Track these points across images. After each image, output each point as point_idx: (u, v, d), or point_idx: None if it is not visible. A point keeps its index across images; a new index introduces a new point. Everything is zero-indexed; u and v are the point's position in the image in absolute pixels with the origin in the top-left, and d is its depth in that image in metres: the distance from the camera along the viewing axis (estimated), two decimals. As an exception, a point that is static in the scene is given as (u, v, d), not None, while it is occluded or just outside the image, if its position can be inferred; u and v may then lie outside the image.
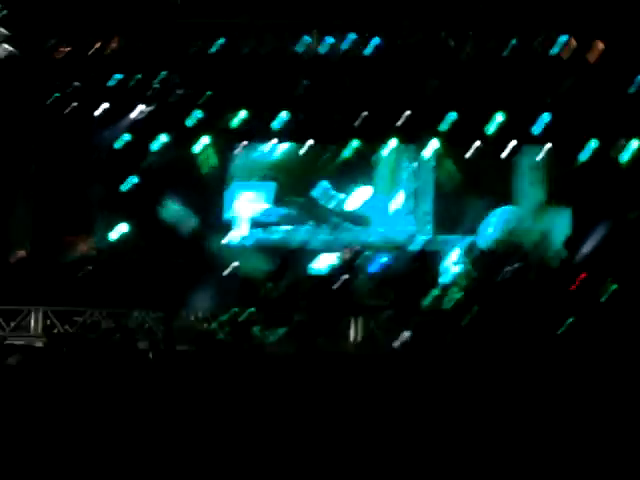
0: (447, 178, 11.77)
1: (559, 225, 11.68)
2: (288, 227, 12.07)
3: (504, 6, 10.31)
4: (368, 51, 10.75)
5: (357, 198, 12.19)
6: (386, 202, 12.36)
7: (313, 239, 11.96)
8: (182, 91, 11.13)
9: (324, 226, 12.10)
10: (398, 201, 12.39)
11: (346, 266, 10.91)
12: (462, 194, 11.68)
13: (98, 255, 10.64)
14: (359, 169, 11.94)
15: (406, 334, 9.51)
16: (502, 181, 11.61)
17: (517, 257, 11.06)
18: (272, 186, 12.19)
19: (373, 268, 11.35)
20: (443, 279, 11.22)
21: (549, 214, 11.70)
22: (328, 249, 11.74)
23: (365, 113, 11.21)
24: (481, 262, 11.18)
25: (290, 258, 10.73)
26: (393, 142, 11.61)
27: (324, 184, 12.11)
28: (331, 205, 12.14)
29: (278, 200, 12.18)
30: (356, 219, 12.23)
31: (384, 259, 11.50)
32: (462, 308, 10.10)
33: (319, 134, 11.65)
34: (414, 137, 11.63)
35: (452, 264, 11.48)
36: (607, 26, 10.29)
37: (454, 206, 11.83)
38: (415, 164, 12.06)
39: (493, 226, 11.60)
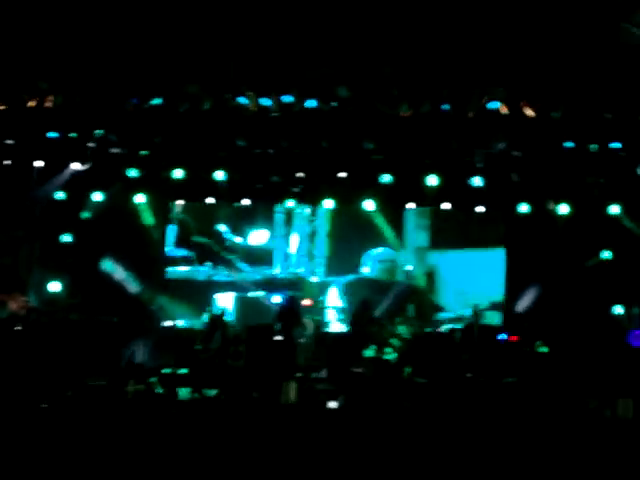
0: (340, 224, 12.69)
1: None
2: (187, 268, 12.76)
3: (437, 72, 10.51)
4: (303, 112, 10.85)
5: (254, 240, 12.98)
6: (284, 244, 13.27)
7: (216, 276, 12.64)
8: (118, 149, 11.12)
9: (220, 267, 12.77)
10: (293, 244, 13.21)
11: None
12: (353, 239, 12.62)
13: (28, 314, 10.48)
14: (260, 213, 12.70)
15: (341, 397, 9.50)
16: (395, 226, 12.60)
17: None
18: (174, 228, 12.89)
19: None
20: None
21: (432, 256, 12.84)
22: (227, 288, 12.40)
23: (301, 174, 11.33)
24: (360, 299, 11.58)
25: (220, 316, 10.68)
26: (329, 202, 11.71)
27: (220, 227, 12.85)
28: (229, 246, 12.86)
29: (181, 241, 12.95)
30: (256, 260, 12.99)
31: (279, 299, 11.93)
32: (402, 363, 10.13)
33: (255, 193, 11.71)
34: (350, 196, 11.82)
35: (332, 301, 12.39)
36: (538, 91, 10.55)
37: (345, 250, 12.81)
38: (309, 210, 12.95)
39: (369, 266, 12.55)
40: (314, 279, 13.07)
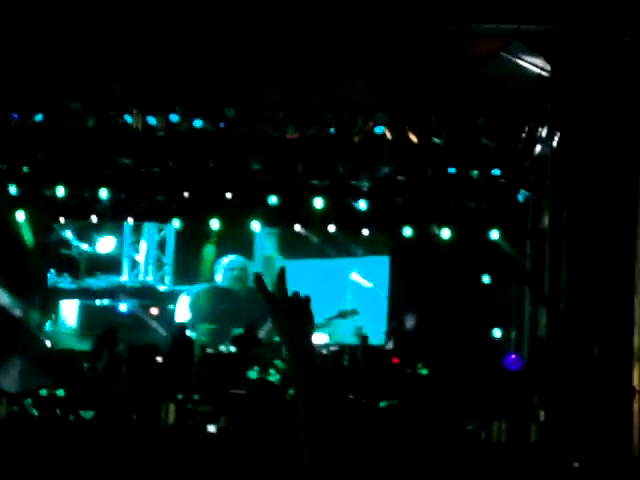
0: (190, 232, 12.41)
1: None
2: None
3: (323, 96, 10.60)
4: (190, 132, 10.80)
5: (102, 248, 12.63)
6: (133, 252, 13.13)
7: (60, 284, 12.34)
8: (-1, 165, 10.88)
9: (65, 274, 12.43)
10: (142, 251, 13.04)
11: None
12: (202, 246, 12.41)
13: None
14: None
15: (222, 419, 9.44)
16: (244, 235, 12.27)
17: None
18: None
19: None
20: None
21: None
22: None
23: (186, 194, 11.26)
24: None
25: (110, 336, 10.49)
26: (215, 223, 11.66)
27: (67, 233, 12.45)
28: (74, 253, 12.50)
29: None
30: (103, 267, 12.73)
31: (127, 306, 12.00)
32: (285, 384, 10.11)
33: (139, 213, 11.58)
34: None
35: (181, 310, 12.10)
36: (421, 117, 10.73)
37: (194, 258, 12.60)
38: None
39: (221, 273, 12.27)
40: (162, 287, 12.87)
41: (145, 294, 12.53)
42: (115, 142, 10.82)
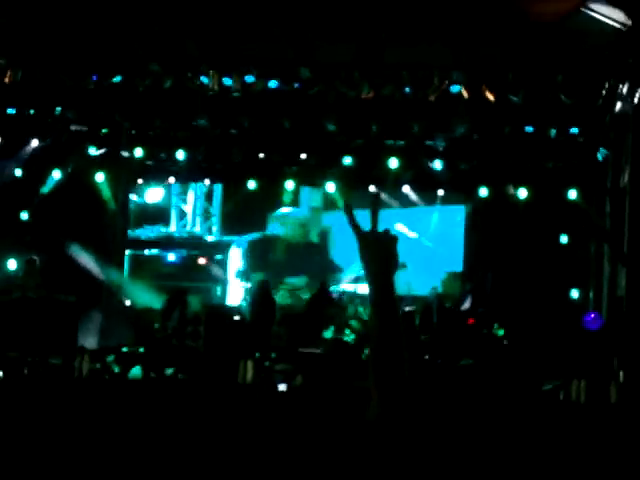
0: None
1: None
2: None
3: (399, 56, 10.50)
4: (265, 92, 10.81)
5: (150, 198, 12.70)
6: (180, 203, 13.15)
7: None
8: (77, 127, 11.02)
9: None
10: (189, 202, 12.97)
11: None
12: (249, 198, 12.11)
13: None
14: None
15: (298, 378, 9.51)
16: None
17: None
18: None
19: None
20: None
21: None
22: None
23: (262, 155, 11.31)
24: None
25: (180, 296, 10.62)
26: (290, 184, 11.70)
27: None
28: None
29: None
30: (152, 218, 12.82)
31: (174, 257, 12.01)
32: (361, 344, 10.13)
33: (215, 174, 11.67)
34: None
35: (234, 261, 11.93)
36: (498, 75, 10.58)
37: (241, 209, 12.44)
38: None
39: (277, 224, 11.83)
40: (210, 238, 12.84)
41: (193, 244, 12.55)
42: (191, 103, 10.89)
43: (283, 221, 11.81)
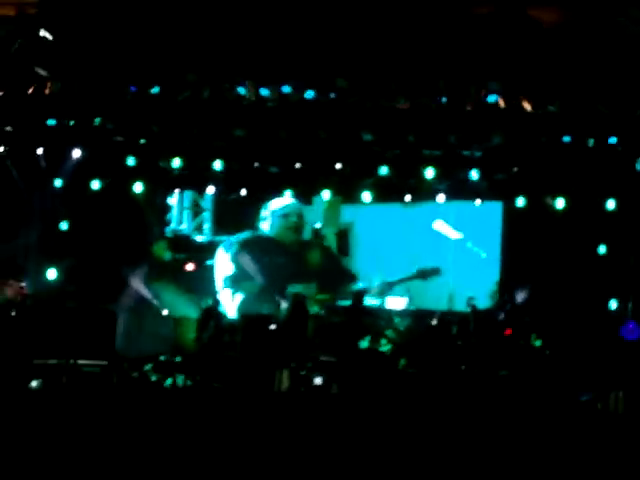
0: None
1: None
2: None
3: (436, 66, 10.52)
4: (301, 102, 10.87)
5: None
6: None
7: None
8: (117, 137, 11.15)
9: None
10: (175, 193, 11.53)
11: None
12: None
13: (23, 300, 10.51)
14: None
15: (317, 380, 9.44)
16: None
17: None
18: None
19: None
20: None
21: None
22: None
23: (298, 165, 11.35)
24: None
25: (216, 306, 10.55)
26: (326, 194, 11.72)
27: None
28: None
29: None
30: None
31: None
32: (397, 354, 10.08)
33: (252, 183, 11.72)
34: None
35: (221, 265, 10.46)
36: (535, 85, 10.56)
37: (239, 203, 11.06)
38: None
39: (269, 221, 10.67)
40: (200, 238, 11.53)
41: (178, 246, 11.04)
42: (229, 114, 10.96)
43: (275, 216, 10.74)
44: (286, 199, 10.94)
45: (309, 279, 10.28)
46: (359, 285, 10.64)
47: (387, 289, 10.50)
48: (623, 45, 9.82)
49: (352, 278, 10.86)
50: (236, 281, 10.43)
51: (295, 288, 10.00)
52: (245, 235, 10.75)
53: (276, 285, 10.23)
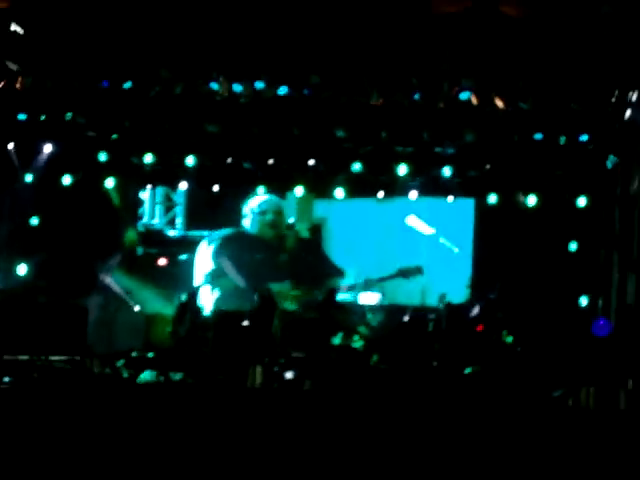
0: None
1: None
2: None
3: (409, 63, 10.56)
4: (274, 99, 10.86)
5: None
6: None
7: None
8: (88, 132, 11.08)
9: None
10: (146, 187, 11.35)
11: None
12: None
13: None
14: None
15: (288, 374, 9.44)
16: None
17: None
18: None
19: None
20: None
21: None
22: None
23: (271, 161, 11.34)
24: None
25: (192, 300, 10.51)
26: (299, 190, 11.71)
27: None
28: None
29: None
30: None
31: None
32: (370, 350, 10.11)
33: (225, 179, 11.70)
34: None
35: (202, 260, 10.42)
36: (507, 82, 10.62)
37: (213, 196, 10.92)
38: None
39: (249, 217, 10.68)
40: (172, 232, 11.30)
41: (150, 241, 10.96)
42: (201, 109, 10.93)
43: (254, 213, 10.77)
44: (264, 196, 10.99)
45: (285, 275, 10.33)
46: (346, 281, 10.65)
47: (371, 285, 10.59)
48: (595, 43, 9.90)
49: (338, 273, 10.91)
50: (215, 277, 10.49)
51: (273, 285, 9.98)
52: (227, 231, 10.83)
53: (255, 281, 10.23)
